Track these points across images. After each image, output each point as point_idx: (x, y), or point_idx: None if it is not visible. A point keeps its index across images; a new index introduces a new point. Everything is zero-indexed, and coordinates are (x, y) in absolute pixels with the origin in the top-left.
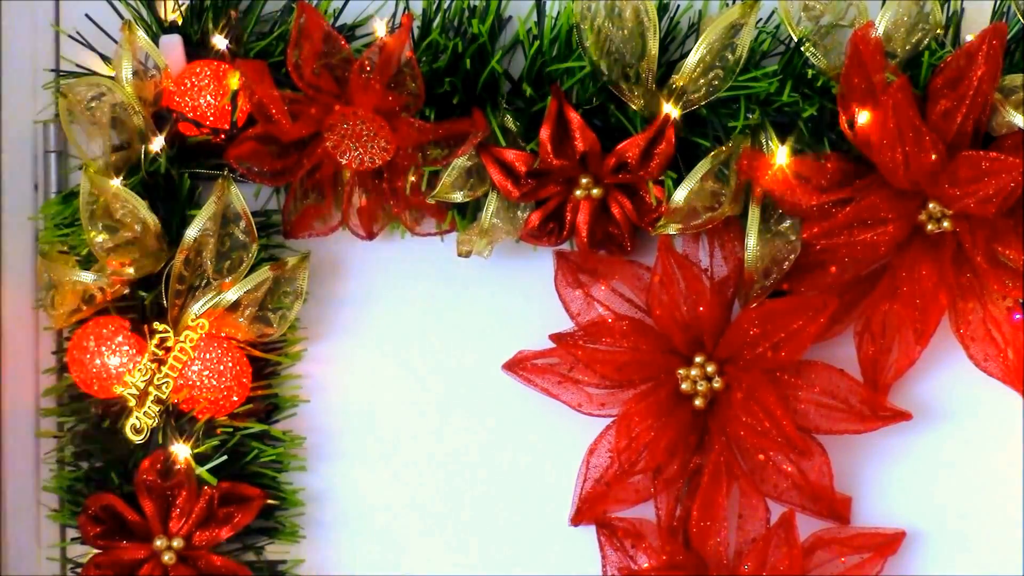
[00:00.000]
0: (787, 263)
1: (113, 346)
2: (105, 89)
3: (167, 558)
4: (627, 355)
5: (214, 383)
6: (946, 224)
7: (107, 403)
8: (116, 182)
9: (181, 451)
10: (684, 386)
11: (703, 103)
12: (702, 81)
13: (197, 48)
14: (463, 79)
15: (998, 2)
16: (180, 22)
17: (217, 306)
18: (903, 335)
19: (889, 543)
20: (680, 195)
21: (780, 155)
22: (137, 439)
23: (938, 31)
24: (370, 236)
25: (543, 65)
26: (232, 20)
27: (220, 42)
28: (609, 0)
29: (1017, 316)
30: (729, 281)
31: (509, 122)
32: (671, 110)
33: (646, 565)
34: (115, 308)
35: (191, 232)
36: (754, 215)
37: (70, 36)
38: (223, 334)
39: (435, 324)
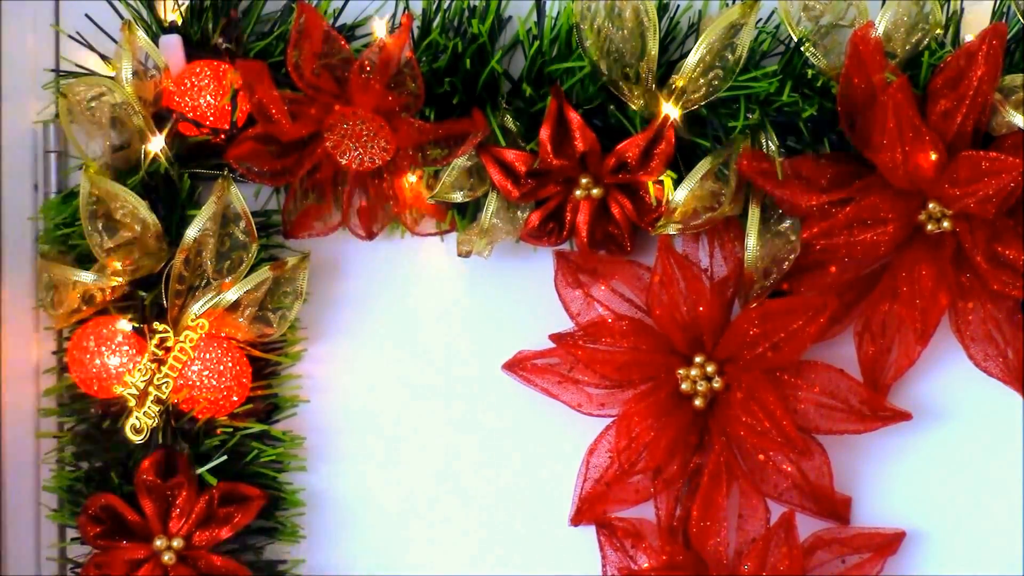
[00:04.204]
0: (787, 263)
1: (113, 346)
2: (105, 89)
3: (167, 558)
4: (627, 355)
5: (214, 383)
6: (946, 224)
7: (107, 403)
8: (116, 182)
9: None
10: (684, 386)
11: (703, 103)
12: (702, 81)
13: (197, 48)
14: (463, 79)
15: (998, 2)
16: (180, 22)
17: (217, 306)
18: (903, 335)
19: (889, 543)
20: (680, 195)
21: (779, 155)
22: (137, 439)
23: (938, 31)
24: (370, 236)
25: (543, 65)
26: (232, 20)
27: (220, 42)
28: (609, 0)
29: (1017, 316)
30: (729, 281)
31: (509, 122)
32: (671, 110)
33: (646, 565)
34: (115, 308)
35: (191, 232)
36: (754, 215)
37: (70, 36)
38: (223, 334)
39: (435, 324)
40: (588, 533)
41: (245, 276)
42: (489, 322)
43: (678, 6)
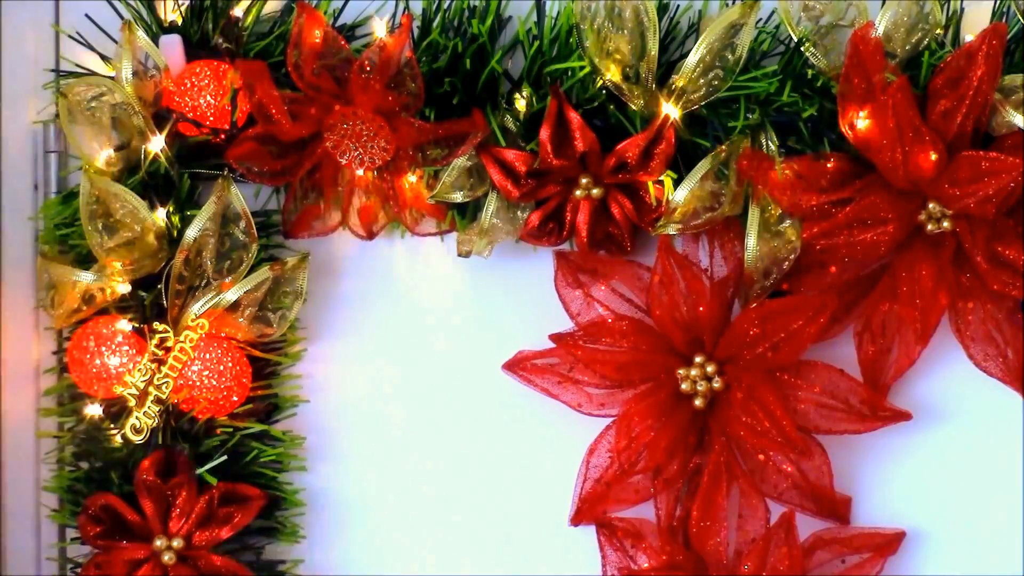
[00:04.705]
0: (787, 263)
1: (113, 346)
2: (105, 89)
3: (167, 558)
4: (627, 355)
5: (214, 383)
6: (946, 224)
7: (107, 403)
8: (116, 182)
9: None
10: (684, 386)
11: (703, 103)
12: (702, 81)
13: (197, 48)
14: (463, 79)
15: (998, 2)
16: (180, 22)
17: (217, 306)
18: (903, 335)
19: (889, 543)
20: (680, 195)
21: (779, 155)
22: (137, 439)
23: (938, 31)
24: (370, 236)
25: (543, 65)
26: (232, 20)
27: (220, 42)
28: (609, 0)
29: (1017, 316)
30: (729, 281)
31: (509, 122)
32: (671, 110)
33: (646, 565)
34: (115, 308)
35: (191, 232)
36: (754, 215)
37: (70, 36)
38: (223, 334)
39: (435, 324)
40: (588, 533)
41: (245, 276)
42: (489, 322)
43: (678, 6)
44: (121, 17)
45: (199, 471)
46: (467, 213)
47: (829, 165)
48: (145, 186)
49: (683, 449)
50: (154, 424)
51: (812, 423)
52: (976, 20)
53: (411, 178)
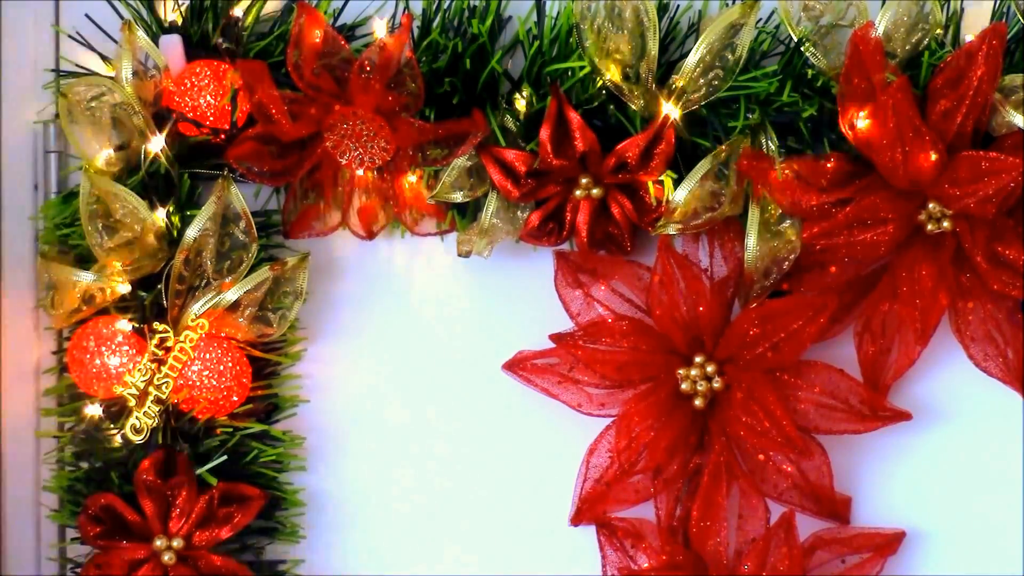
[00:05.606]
0: (787, 263)
1: (113, 346)
2: (105, 89)
3: (167, 558)
4: (627, 355)
5: (214, 383)
6: (946, 224)
7: (107, 403)
8: (116, 182)
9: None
10: (684, 386)
11: (703, 103)
12: (702, 81)
13: (197, 48)
14: (463, 79)
15: (998, 2)
16: (180, 22)
17: (217, 306)
18: (903, 335)
19: (889, 543)
20: (680, 195)
21: (779, 155)
22: (137, 439)
23: (938, 31)
24: (370, 236)
25: (543, 65)
26: (232, 20)
27: (220, 42)
28: (609, 0)
29: (1017, 316)
30: (729, 281)
31: (509, 122)
32: (671, 110)
33: (646, 565)
34: (115, 308)
35: (191, 232)
36: (754, 215)
37: (70, 36)
38: (223, 334)
39: (435, 324)
40: (588, 533)
41: (245, 276)
42: (489, 322)
43: (678, 6)
44: (121, 17)
45: (199, 471)
46: (467, 213)
47: (829, 165)
48: (145, 186)
49: (683, 449)
50: (154, 424)
51: (812, 423)
52: (976, 20)
53: (411, 178)
